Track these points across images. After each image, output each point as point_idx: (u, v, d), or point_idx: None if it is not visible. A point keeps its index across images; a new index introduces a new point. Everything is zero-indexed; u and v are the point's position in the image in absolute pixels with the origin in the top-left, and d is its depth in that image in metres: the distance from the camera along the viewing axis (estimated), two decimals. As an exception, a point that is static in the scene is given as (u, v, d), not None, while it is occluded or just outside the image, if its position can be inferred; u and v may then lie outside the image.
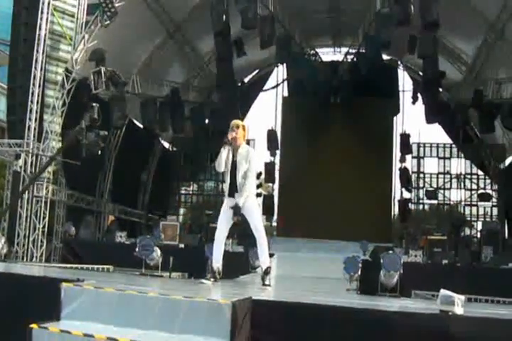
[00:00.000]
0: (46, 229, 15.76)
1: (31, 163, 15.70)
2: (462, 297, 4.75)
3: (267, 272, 6.67)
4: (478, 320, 4.07)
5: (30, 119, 15.69)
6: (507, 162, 23.17)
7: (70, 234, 17.84)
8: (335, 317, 4.11)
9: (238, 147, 6.55)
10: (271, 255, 17.13)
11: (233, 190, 6.55)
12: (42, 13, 16.07)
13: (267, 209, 24.56)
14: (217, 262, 6.67)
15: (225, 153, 6.52)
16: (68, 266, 10.99)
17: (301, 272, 13.72)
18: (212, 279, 6.57)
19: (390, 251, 9.26)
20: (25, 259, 14.55)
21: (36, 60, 15.84)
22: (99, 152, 16.91)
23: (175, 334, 3.82)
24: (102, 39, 16.36)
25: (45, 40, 16.21)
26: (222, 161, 6.54)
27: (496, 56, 19.54)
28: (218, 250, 6.72)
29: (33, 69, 15.75)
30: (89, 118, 15.58)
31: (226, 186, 6.69)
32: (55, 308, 4.08)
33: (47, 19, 16.35)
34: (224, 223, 6.69)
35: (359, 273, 8.86)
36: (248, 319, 3.99)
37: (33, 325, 3.80)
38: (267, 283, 6.65)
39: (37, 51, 15.88)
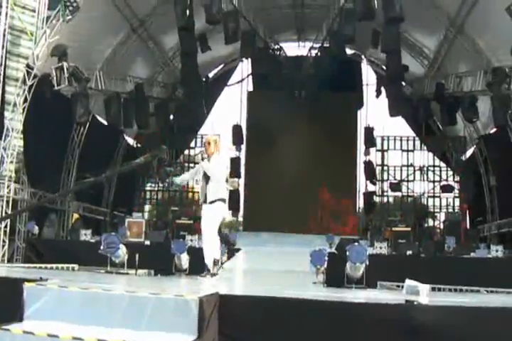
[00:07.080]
0: (8, 228, 15.45)
1: (-9, 161, 15.38)
2: (427, 286, 4.84)
3: (215, 263, 7.38)
4: (442, 308, 4.14)
5: (-10, 116, 15.35)
6: (468, 154, 23.60)
7: (33, 233, 17.46)
8: (302, 310, 4.13)
9: (210, 159, 7.52)
10: (237, 250, 17.26)
11: (206, 196, 7.42)
12: (1, 7, 15.71)
13: (233, 204, 24.51)
14: (206, 258, 7.40)
15: (194, 169, 7.83)
16: (32, 265, 10.77)
17: (268, 266, 13.73)
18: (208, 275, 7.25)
19: (356, 243, 9.36)
20: (-13, 260, 14.24)
21: (-4, 56, 15.49)
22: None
23: (142, 331, 3.78)
24: (64, 34, 16.01)
25: (5, 35, 15.85)
26: (188, 175, 7.92)
27: (456, 51, 19.86)
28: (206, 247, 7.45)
29: (-8, 65, 15.40)
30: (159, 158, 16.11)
31: (202, 194, 7.51)
32: (17, 309, 3.99)
33: (6, 14, 15.99)
34: (206, 225, 7.45)
35: (325, 265, 8.93)
36: (216, 314, 3.98)
37: (-5, 327, 3.72)
38: (214, 271, 7.33)
39: (-4, 47, 15.54)
